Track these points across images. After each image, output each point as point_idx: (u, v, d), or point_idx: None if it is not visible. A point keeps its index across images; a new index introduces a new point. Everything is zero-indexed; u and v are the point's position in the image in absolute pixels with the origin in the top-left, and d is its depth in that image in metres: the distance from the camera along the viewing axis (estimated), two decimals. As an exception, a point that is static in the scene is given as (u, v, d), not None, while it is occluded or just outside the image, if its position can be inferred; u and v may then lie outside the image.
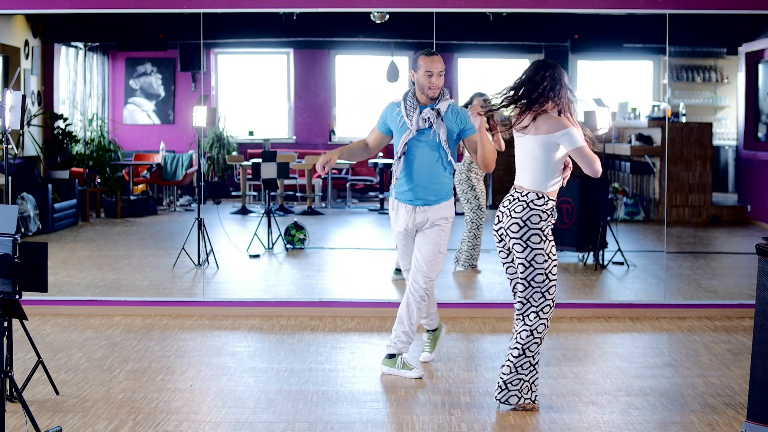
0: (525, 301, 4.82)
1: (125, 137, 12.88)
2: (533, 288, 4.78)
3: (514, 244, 4.76)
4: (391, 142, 5.71)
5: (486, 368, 5.75)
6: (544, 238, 4.75)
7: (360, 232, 11.46)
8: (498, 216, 4.89)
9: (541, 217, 4.75)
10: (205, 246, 8.69)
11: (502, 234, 4.86)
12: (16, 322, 5.23)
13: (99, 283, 8.04)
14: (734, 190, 12.58)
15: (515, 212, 4.77)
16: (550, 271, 4.78)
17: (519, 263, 4.78)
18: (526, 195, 4.78)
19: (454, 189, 8.44)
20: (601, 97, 8.96)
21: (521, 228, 4.75)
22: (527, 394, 4.89)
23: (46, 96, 11.83)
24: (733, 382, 5.48)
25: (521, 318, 4.84)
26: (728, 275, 9.06)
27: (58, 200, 10.99)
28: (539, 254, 4.75)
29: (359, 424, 4.73)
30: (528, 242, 4.74)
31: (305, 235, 9.76)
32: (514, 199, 4.82)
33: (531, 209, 4.75)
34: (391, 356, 5.55)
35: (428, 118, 5.38)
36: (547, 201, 4.77)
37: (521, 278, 4.80)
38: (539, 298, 4.79)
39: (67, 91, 12.34)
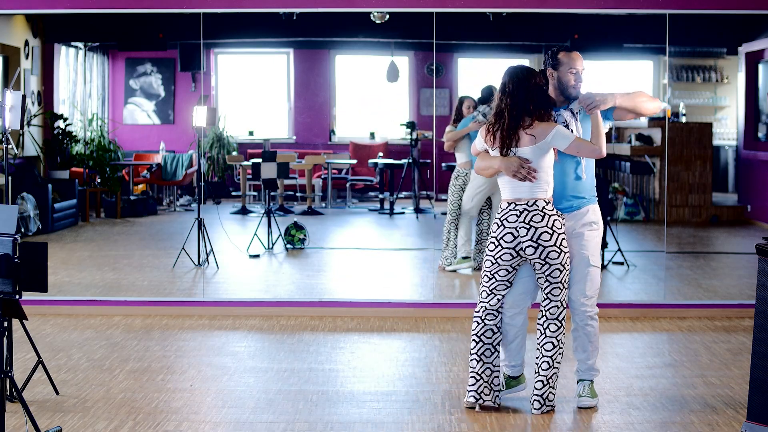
0: (560, 305, 4.83)
1: (125, 137, 12.88)
2: (564, 290, 4.83)
3: (550, 252, 4.73)
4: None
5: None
6: (567, 241, 4.84)
7: (360, 232, 11.46)
8: (511, 233, 4.76)
9: (560, 222, 4.78)
10: (205, 246, 8.69)
11: (521, 248, 4.76)
12: (16, 322, 5.23)
13: (99, 283, 8.04)
14: (734, 190, 12.59)
15: (535, 222, 4.72)
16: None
17: (554, 269, 4.76)
18: (534, 204, 4.74)
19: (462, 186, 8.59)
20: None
21: (551, 235, 4.73)
22: (554, 400, 4.95)
23: (46, 96, 11.83)
24: (733, 382, 5.48)
25: (557, 323, 4.83)
26: (728, 275, 9.06)
27: (58, 200, 10.99)
28: (569, 256, 4.83)
29: (359, 424, 4.73)
30: (561, 247, 4.75)
31: (305, 235, 9.76)
32: (522, 212, 4.75)
33: (549, 216, 4.74)
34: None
35: (564, 122, 4.89)
36: (553, 205, 4.79)
37: (557, 283, 4.79)
38: (565, 299, 4.87)
39: (67, 91, 12.34)
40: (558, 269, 4.77)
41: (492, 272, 4.86)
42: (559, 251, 4.75)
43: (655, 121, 11.98)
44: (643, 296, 7.87)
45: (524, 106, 4.75)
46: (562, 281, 4.81)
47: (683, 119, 12.29)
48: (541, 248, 4.73)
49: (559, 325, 4.84)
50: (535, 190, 4.76)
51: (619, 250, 8.94)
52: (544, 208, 4.75)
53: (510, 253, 4.80)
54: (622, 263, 8.89)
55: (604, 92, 4.87)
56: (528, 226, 4.73)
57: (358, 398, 5.15)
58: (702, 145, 11.88)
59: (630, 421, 4.78)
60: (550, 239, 4.72)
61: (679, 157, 11.79)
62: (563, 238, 4.77)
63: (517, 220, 4.76)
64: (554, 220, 4.75)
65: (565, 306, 4.86)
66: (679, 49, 12.42)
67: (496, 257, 4.83)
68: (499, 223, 4.82)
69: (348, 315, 7.18)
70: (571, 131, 4.85)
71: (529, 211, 4.74)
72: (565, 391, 5.24)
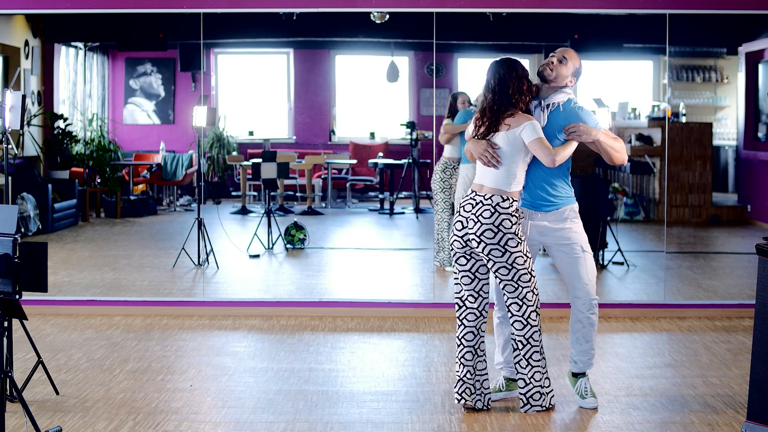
0: (520, 303, 4.81)
1: (125, 137, 12.88)
2: (523, 288, 4.79)
3: (492, 249, 4.73)
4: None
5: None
6: (519, 241, 4.77)
7: (360, 232, 11.46)
8: (461, 221, 4.82)
9: (511, 221, 4.75)
10: (205, 246, 8.69)
11: (468, 239, 4.81)
12: (16, 322, 5.24)
13: (99, 283, 8.04)
14: (734, 190, 12.58)
15: (484, 218, 4.74)
16: (532, 269, 4.83)
17: (500, 267, 4.76)
18: (490, 198, 4.75)
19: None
20: (601, 97, 8.96)
21: (496, 234, 4.72)
22: (545, 401, 4.91)
23: (46, 96, 11.83)
24: (733, 382, 5.48)
25: (522, 321, 4.82)
26: (728, 275, 9.06)
27: (58, 200, 10.99)
28: (519, 256, 4.76)
29: (359, 424, 4.73)
30: (506, 247, 4.73)
31: (305, 235, 9.76)
32: (477, 203, 4.78)
33: (500, 213, 4.73)
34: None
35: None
36: (512, 203, 4.77)
37: (508, 281, 4.78)
38: (532, 297, 4.83)
39: (67, 91, 12.34)
40: (505, 267, 4.76)
41: (454, 261, 4.92)
42: (503, 251, 4.73)
43: (655, 121, 11.98)
44: (643, 296, 7.87)
45: (507, 100, 4.80)
46: (515, 280, 4.77)
47: (683, 119, 12.29)
48: (483, 244, 4.74)
49: (525, 323, 4.82)
50: (499, 180, 4.76)
51: (619, 250, 8.94)
52: (498, 204, 4.74)
53: (459, 241, 4.85)
54: (622, 263, 8.89)
55: (592, 126, 4.89)
56: (476, 220, 4.75)
57: (358, 398, 5.15)
58: (702, 145, 11.88)
59: (630, 421, 4.78)
60: (493, 238, 4.72)
61: (679, 157, 11.79)
62: (509, 238, 4.72)
63: (471, 211, 4.79)
64: (503, 219, 4.72)
65: (528, 305, 4.80)
66: (679, 49, 12.42)
67: (451, 244, 4.90)
68: (457, 209, 4.89)
69: (348, 315, 7.18)
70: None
71: (483, 205, 4.75)
72: (564, 391, 5.24)
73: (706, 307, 7.32)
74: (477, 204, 4.78)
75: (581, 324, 5.02)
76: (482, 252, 4.76)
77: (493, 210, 4.73)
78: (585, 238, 4.99)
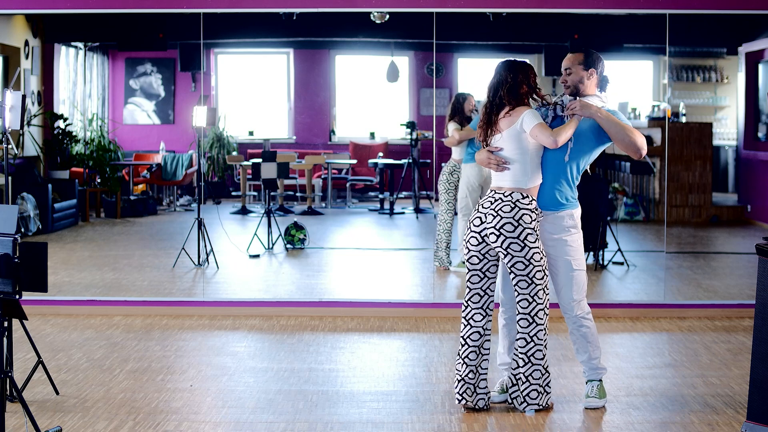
0: (530, 299, 4.81)
1: (125, 137, 12.88)
2: (536, 285, 4.79)
3: (511, 243, 4.74)
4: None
5: (486, 368, 5.74)
6: (537, 237, 4.78)
7: (360, 232, 11.46)
8: (480, 217, 4.83)
9: (531, 217, 4.77)
10: (205, 246, 8.69)
11: (486, 234, 4.80)
12: (16, 322, 5.24)
13: (99, 283, 8.04)
14: (734, 190, 12.59)
15: (504, 212, 4.75)
16: (546, 268, 4.83)
17: (517, 261, 4.76)
18: (510, 195, 4.78)
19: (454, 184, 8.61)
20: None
21: (516, 227, 4.73)
22: (543, 400, 4.90)
23: (46, 96, 11.83)
24: (733, 382, 5.48)
25: (528, 318, 4.82)
26: (728, 275, 9.06)
27: (58, 200, 10.99)
28: (536, 252, 4.77)
29: (359, 424, 4.73)
30: (525, 241, 4.74)
31: (305, 235, 9.76)
32: (497, 200, 4.80)
33: (520, 209, 4.75)
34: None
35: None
36: (531, 200, 4.79)
37: (522, 276, 4.78)
38: (542, 295, 4.82)
39: (67, 91, 12.34)
40: (522, 262, 4.76)
41: (467, 260, 4.92)
42: (522, 245, 4.73)
43: (655, 121, 11.99)
44: (643, 296, 7.87)
45: (500, 102, 4.86)
46: (530, 276, 4.77)
47: (683, 119, 12.29)
48: (502, 237, 4.74)
49: (531, 321, 4.81)
50: (516, 179, 4.80)
51: (619, 250, 8.94)
52: (518, 200, 4.76)
53: (476, 237, 4.85)
54: (622, 263, 8.89)
55: (595, 104, 4.90)
56: (495, 214, 4.77)
57: (358, 398, 5.15)
58: (702, 145, 11.88)
59: (630, 421, 4.78)
60: (513, 231, 4.73)
61: (679, 157, 11.79)
62: (528, 233, 4.73)
63: (489, 207, 4.81)
64: (523, 214, 4.74)
65: (538, 303, 4.80)
66: (679, 49, 12.42)
67: (467, 241, 4.90)
68: (476, 206, 4.91)
69: (348, 315, 7.18)
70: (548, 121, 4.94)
71: (503, 201, 4.77)
72: (564, 391, 5.24)
73: (706, 307, 7.32)
74: (497, 200, 4.80)
75: (574, 336, 5.04)
76: (501, 246, 4.75)
77: (513, 205, 4.75)
78: (580, 252, 4.97)
